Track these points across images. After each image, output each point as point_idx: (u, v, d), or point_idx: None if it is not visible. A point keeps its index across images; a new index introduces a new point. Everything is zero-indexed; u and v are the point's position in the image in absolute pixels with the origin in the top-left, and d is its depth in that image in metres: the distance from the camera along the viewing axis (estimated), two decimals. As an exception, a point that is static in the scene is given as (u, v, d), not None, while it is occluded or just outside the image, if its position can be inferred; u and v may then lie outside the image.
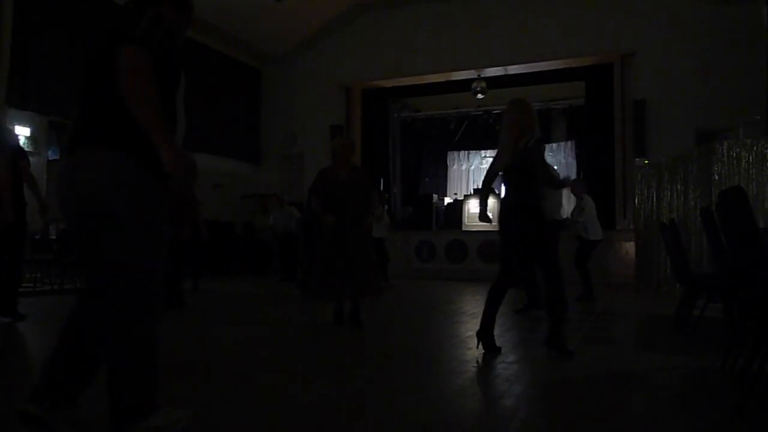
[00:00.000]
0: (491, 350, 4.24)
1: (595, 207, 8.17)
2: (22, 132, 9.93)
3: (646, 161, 11.23)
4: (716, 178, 8.71)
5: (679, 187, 9.80)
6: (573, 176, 13.64)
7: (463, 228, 13.94)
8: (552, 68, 13.25)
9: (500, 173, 4.61)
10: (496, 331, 5.40)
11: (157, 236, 2.19)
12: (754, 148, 8.51)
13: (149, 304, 2.16)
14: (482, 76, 13.87)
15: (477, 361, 4.04)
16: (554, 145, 16.31)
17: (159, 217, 2.21)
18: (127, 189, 2.10)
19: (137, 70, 1.97)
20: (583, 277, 8.03)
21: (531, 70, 13.46)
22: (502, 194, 4.66)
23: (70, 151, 2.20)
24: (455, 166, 19.17)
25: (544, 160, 4.42)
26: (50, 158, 10.59)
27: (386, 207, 11.83)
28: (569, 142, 16.31)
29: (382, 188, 14.72)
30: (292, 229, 11.65)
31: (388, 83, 14.89)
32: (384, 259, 10.55)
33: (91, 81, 2.20)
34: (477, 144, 17.95)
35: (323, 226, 5.53)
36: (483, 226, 13.88)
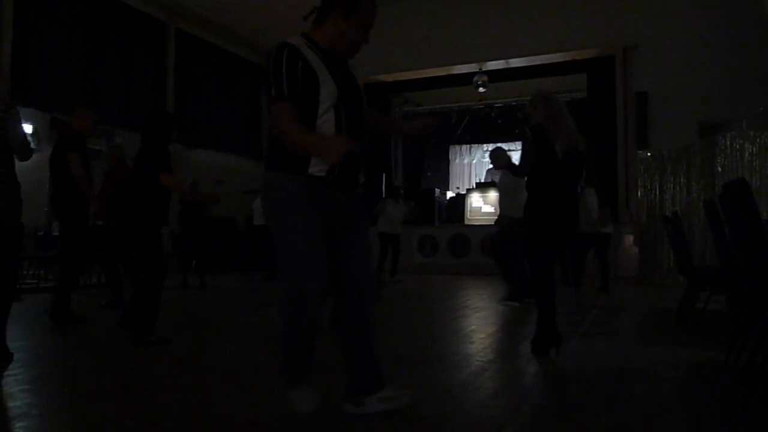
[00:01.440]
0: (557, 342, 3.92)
1: (596, 200, 8.19)
2: (25, 129, 9.92)
3: (649, 153, 11.20)
4: (719, 170, 8.70)
5: (682, 180, 9.78)
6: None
7: (466, 222, 13.94)
8: (553, 61, 13.19)
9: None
10: (499, 326, 5.42)
11: None
12: (758, 139, 8.49)
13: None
14: (484, 69, 13.83)
15: (480, 356, 4.04)
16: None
17: None
18: None
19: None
20: (603, 270, 8.22)
21: (532, 63, 13.41)
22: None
23: None
24: (457, 161, 19.17)
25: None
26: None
27: (412, 204, 11.87)
28: (571, 135, 16.26)
29: (384, 184, 14.72)
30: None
31: (389, 77, 14.84)
32: (396, 254, 10.61)
33: None
34: (479, 138, 17.94)
35: None
36: (485, 221, 13.93)
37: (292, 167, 2.46)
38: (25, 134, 4.14)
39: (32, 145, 4.39)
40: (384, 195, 12.63)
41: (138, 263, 4.50)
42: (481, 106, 16.07)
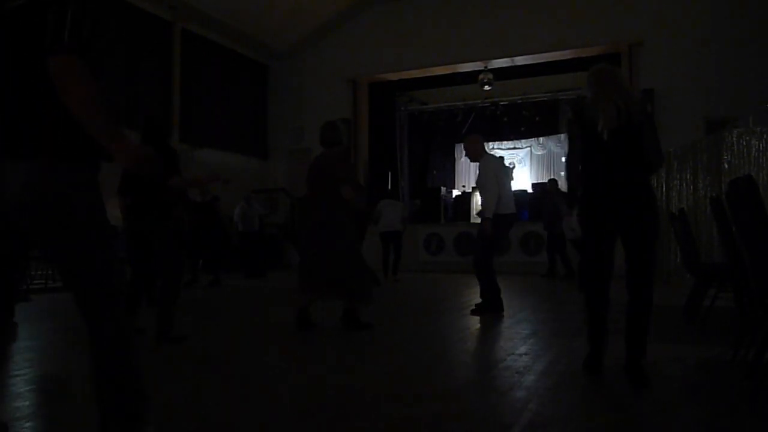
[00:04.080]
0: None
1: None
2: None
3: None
4: (726, 167, 8.64)
5: (688, 177, 9.73)
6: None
7: (472, 220, 13.91)
8: (559, 59, 13.17)
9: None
10: (505, 324, 5.41)
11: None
12: (764, 136, 8.43)
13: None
14: (489, 67, 13.81)
15: (486, 354, 4.04)
16: (562, 135, 16.24)
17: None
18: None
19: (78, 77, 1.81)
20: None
21: (538, 61, 13.40)
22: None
23: None
24: (463, 159, 19.08)
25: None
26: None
27: (418, 202, 11.80)
28: (578, 133, 16.22)
29: (390, 184, 14.73)
30: (255, 229, 11.46)
31: (394, 76, 14.86)
32: (398, 253, 10.56)
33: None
34: (484, 136, 17.84)
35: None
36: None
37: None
38: None
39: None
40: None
41: (159, 263, 4.54)
42: (486, 104, 16.04)
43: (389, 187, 14.39)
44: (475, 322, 5.57)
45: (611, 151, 3.22)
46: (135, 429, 1.95)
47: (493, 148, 18.67)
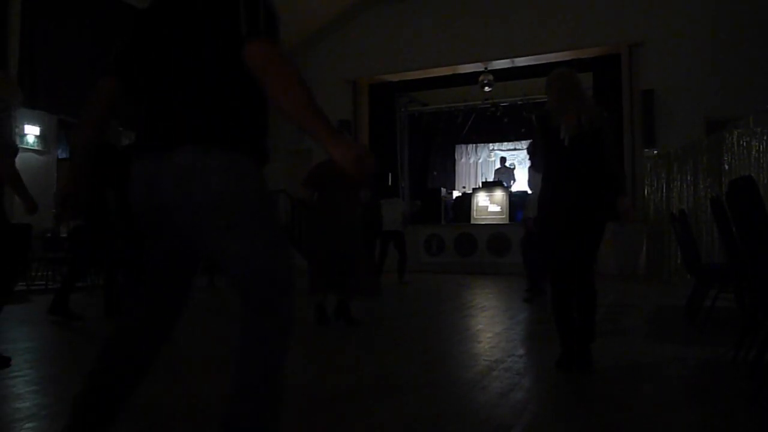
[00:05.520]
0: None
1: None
2: (32, 131, 10.01)
3: (656, 152, 11.16)
4: (726, 167, 8.65)
5: (689, 178, 9.74)
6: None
7: (472, 221, 13.93)
8: (559, 60, 13.11)
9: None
10: (506, 325, 5.41)
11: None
12: (765, 137, 8.44)
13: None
14: (489, 68, 13.81)
15: (487, 355, 4.04)
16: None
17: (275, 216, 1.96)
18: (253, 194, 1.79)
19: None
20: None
21: (538, 62, 13.37)
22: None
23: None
24: (463, 160, 19.15)
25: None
26: (60, 156, 10.66)
27: (418, 203, 11.81)
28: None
29: (390, 182, 14.72)
30: None
31: (394, 77, 14.85)
32: (401, 254, 10.27)
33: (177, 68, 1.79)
34: (485, 137, 17.92)
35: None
36: (492, 220, 13.92)
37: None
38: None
39: (40, 147, 4.42)
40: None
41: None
42: (487, 105, 16.05)
43: (389, 184, 14.36)
44: (475, 323, 5.57)
45: (572, 157, 3.44)
46: None
47: (493, 149, 18.71)
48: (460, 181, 18.57)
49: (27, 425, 2.56)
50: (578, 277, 3.46)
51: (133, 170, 1.83)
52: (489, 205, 14.09)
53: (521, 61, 13.57)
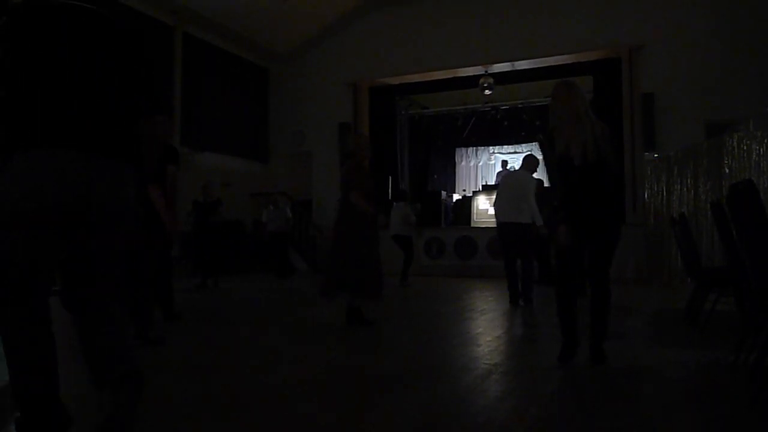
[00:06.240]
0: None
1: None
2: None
3: (656, 155, 11.17)
4: (726, 171, 8.66)
5: (689, 181, 9.75)
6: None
7: (472, 224, 13.92)
8: (560, 63, 13.17)
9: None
10: (506, 329, 5.41)
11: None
12: (765, 140, 8.45)
13: None
14: (489, 72, 13.83)
15: (486, 358, 4.04)
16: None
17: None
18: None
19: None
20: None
21: (538, 65, 13.39)
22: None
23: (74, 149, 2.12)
24: (463, 163, 19.16)
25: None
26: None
27: (418, 206, 11.87)
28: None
29: (391, 185, 14.73)
30: (284, 230, 12.09)
31: (395, 80, 14.86)
32: (407, 258, 10.38)
33: (101, 91, 2.22)
34: (485, 140, 17.92)
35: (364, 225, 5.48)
36: (492, 223, 13.87)
37: None
38: None
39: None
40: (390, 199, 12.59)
41: (144, 266, 4.54)
42: (487, 109, 16.06)
43: (390, 190, 14.38)
44: (475, 327, 5.57)
45: (582, 177, 3.66)
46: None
47: (493, 152, 18.71)
48: (460, 184, 18.57)
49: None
50: (594, 280, 3.72)
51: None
52: (489, 208, 14.07)
53: (521, 65, 13.58)
